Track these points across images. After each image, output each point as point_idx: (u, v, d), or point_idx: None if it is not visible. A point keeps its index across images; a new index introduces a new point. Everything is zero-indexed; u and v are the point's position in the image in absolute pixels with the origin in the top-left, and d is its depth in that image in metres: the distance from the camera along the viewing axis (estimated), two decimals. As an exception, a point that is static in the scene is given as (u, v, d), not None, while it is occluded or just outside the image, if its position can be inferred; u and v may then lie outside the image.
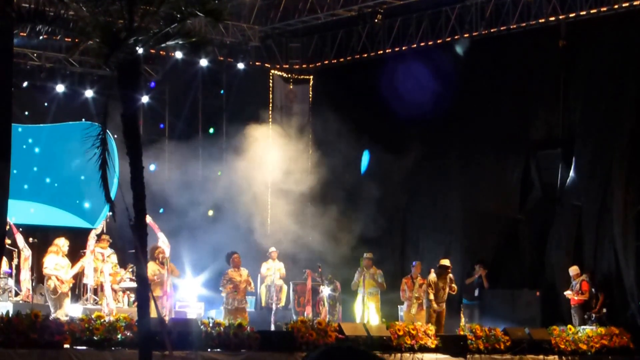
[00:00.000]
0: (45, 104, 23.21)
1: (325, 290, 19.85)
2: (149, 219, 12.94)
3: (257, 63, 25.43)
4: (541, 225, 22.51)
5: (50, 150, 23.53)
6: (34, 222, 22.38)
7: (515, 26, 22.21)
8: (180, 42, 12.97)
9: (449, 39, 23.25)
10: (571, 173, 22.14)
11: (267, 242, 23.58)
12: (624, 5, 20.80)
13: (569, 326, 19.60)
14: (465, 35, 23.04)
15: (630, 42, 21.26)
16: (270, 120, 25.68)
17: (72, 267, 18.10)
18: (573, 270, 20.73)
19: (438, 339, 17.57)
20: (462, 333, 18.22)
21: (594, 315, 20.43)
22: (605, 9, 20.97)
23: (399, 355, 17.10)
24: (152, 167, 22.94)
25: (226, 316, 18.67)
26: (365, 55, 24.77)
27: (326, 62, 25.68)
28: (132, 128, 12.12)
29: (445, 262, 19.83)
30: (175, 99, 24.37)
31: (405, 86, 23.54)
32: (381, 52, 24.48)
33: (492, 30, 22.55)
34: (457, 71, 23.52)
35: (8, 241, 16.57)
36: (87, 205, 23.73)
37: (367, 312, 19.89)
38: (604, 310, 20.56)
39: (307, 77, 26.25)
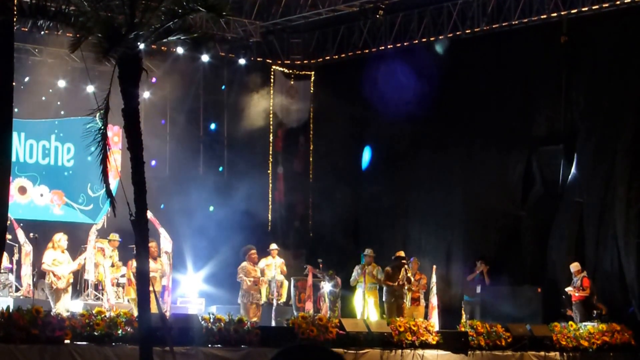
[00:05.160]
0: (45, 99, 23.15)
1: (326, 286, 19.85)
2: (149, 215, 12.92)
3: (258, 59, 25.42)
4: (543, 222, 22.50)
5: (51, 146, 23.49)
6: (36, 218, 22.38)
7: (517, 22, 22.19)
8: (182, 38, 12.95)
9: (450, 35, 23.24)
10: (573, 169, 22.13)
11: (268, 238, 23.58)
12: (625, 1, 20.78)
13: (570, 323, 19.60)
14: (449, 35, 23.07)
15: (632, 38, 21.24)
16: (271, 116, 25.67)
17: (72, 262, 18.18)
18: (574, 266, 20.72)
19: (439, 336, 17.58)
20: (463, 329, 18.22)
21: (595, 312, 20.43)
22: (607, 4, 20.95)
23: (399, 351, 17.10)
24: (153, 163, 22.93)
25: (246, 312, 18.73)
26: (367, 51, 24.75)
27: (327, 57, 25.66)
28: (133, 123, 12.10)
29: (401, 253, 19.95)
30: (176, 94, 24.34)
31: (407, 82, 23.51)
32: (383, 47, 24.46)
33: (493, 26, 22.54)
34: (458, 67, 23.50)
35: (9, 236, 16.54)
36: (87, 201, 23.71)
37: (366, 308, 19.91)
38: (599, 307, 20.53)
39: (309, 72, 26.23)
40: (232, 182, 24.55)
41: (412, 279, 19.87)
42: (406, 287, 19.79)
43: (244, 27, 24.07)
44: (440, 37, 23.39)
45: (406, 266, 19.77)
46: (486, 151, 23.28)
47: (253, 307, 19.58)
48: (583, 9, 21.22)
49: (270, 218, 25.56)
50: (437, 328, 18.09)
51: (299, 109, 26.21)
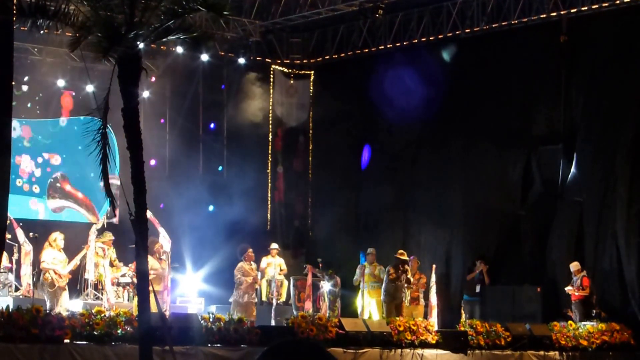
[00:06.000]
0: (46, 99, 23.16)
1: (326, 286, 19.85)
2: (149, 214, 12.92)
3: (257, 58, 25.41)
4: (542, 221, 22.49)
5: (50, 146, 23.46)
6: (34, 217, 22.36)
7: (516, 21, 22.19)
8: (181, 37, 12.95)
9: (450, 35, 23.24)
10: (572, 169, 22.12)
11: (267, 237, 23.58)
12: (625, 0, 20.77)
13: (570, 322, 19.60)
14: (459, 32, 23.06)
15: (632, 37, 21.23)
16: (270, 115, 25.66)
17: (69, 262, 18.21)
18: (574, 266, 20.71)
19: (439, 335, 17.58)
20: (462, 329, 18.22)
21: (594, 311, 20.43)
22: (606, 4, 20.94)
23: (399, 351, 17.10)
24: (152, 162, 22.92)
25: (239, 310, 18.71)
26: (367, 50, 24.74)
27: (327, 57, 25.65)
28: (132, 123, 12.10)
29: (402, 254, 19.91)
30: (176, 94, 24.34)
31: (406, 81, 23.52)
32: (382, 47, 24.46)
33: (493, 26, 22.54)
34: (458, 66, 23.51)
35: (8, 236, 16.53)
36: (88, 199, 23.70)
37: (368, 308, 19.92)
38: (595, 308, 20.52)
39: (308, 72, 26.21)
40: (231, 182, 24.55)
41: (412, 279, 19.85)
42: (405, 287, 19.76)
43: (244, 27, 24.07)
44: (440, 36, 23.39)
45: (406, 266, 19.75)
46: (486, 150, 23.28)
47: (251, 306, 19.59)
48: (583, 9, 21.21)
49: (269, 217, 25.55)
50: (436, 327, 18.08)
51: (299, 109, 26.20)
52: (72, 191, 23.21)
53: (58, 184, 23.11)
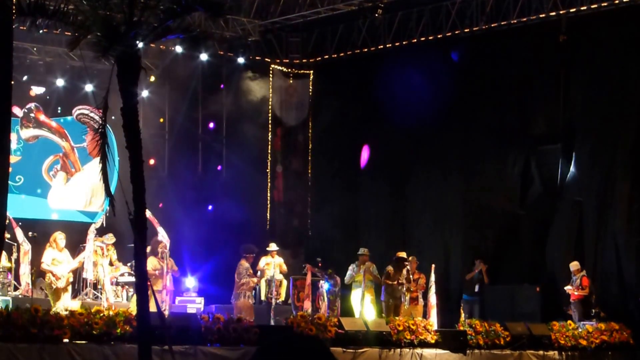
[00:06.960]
0: (47, 97, 23.16)
1: (325, 285, 19.84)
2: (148, 214, 12.90)
3: (257, 57, 25.39)
4: (542, 221, 22.50)
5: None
6: (34, 217, 22.35)
7: (515, 21, 22.18)
8: (181, 37, 12.94)
9: (449, 34, 23.23)
10: (572, 168, 22.14)
11: (266, 237, 23.57)
12: (624, 0, 20.77)
13: (569, 322, 19.60)
14: (458, 31, 23.05)
15: (631, 37, 21.24)
16: (269, 114, 25.66)
17: (74, 258, 18.24)
18: (573, 265, 20.71)
19: (438, 334, 17.58)
20: (461, 328, 18.21)
21: (593, 311, 20.43)
22: (606, 3, 20.94)
23: (398, 350, 17.09)
24: (151, 162, 22.91)
25: (243, 312, 18.70)
26: (366, 50, 24.74)
27: (326, 56, 25.64)
28: (131, 122, 12.08)
29: (402, 254, 19.90)
30: (175, 93, 24.34)
31: (405, 81, 23.52)
32: (382, 46, 24.45)
33: (492, 25, 22.53)
34: (457, 66, 23.51)
35: (7, 235, 16.54)
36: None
37: (364, 306, 19.93)
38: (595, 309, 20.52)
39: (307, 71, 26.21)
40: (230, 181, 24.55)
41: (412, 279, 19.86)
42: (405, 288, 19.77)
43: (243, 26, 24.05)
44: (439, 36, 23.38)
45: (407, 267, 19.76)
46: (485, 150, 23.29)
47: (251, 306, 19.59)
48: (582, 8, 21.21)
49: (269, 217, 25.55)
50: (435, 327, 18.07)
51: (298, 108, 26.20)
52: (46, 120, 23.13)
53: (32, 114, 23.00)
